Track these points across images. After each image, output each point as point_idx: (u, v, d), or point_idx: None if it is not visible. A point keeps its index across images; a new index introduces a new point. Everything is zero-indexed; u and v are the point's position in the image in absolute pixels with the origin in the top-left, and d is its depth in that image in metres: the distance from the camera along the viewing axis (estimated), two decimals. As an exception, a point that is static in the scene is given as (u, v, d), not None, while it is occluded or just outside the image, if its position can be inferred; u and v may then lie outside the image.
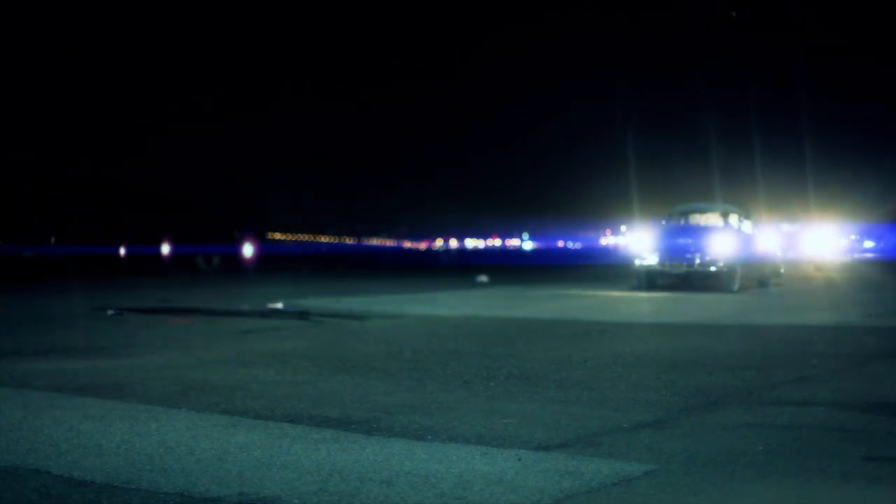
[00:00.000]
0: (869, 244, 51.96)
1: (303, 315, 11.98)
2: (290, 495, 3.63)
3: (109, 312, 12.47)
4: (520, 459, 4.21)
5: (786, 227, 32.36)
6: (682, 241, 17.99)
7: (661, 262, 17.75)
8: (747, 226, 19.34)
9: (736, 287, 17.30)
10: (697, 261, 17.38)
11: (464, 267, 32.96)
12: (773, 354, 8.12)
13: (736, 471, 4.01)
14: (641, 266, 17.98)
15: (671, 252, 17.78)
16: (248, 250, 32.40)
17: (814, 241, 32.03)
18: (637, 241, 18.50)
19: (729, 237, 18.03)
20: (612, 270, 26.16)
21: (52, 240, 27.30)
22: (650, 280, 18.11)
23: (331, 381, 6.58)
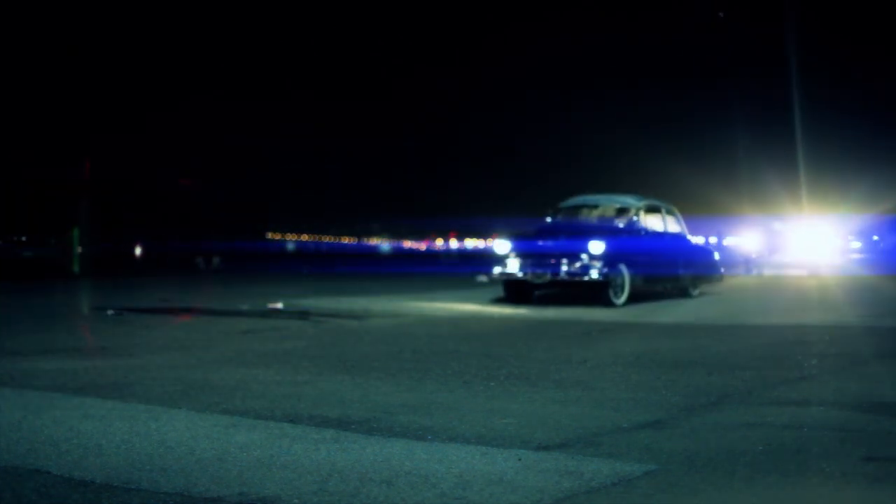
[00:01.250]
0: (866, 244, 49.89)
1: (303, 315, 11.99)
2: (290, 495, 3.63)
3: (109, 312, 12.47)
4: (520, 459, 4.21)
5: (776, 224, 29.46)
6: (547, 243, 14.18)
7: (523, 270, 14.01)
8: (657, 222, 15.58)
9: (622, 299, 13.73)
10: (564, 268, 13.60)
11: (464, 266, 32.90)
12: (773, 354, 8.12)
13: (736, 471, 4.01)
14: (500, 275, 14.32)
15: (534, 258, 14.04)
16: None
17: (808, 240, 28.40)
18: (499, 245, 14.48)
19: (611, 237, 14.08)
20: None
21: (52, 241, 27.23)
22: (517, 292, 14.58)
23: (331, 381, 6.58)
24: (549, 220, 15.39)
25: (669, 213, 16.01)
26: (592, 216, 15.37)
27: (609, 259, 13.52)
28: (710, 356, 7.95)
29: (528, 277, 13.93)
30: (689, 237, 16.46)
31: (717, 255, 17.44)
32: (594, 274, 13.42)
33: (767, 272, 26.98)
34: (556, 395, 5.96)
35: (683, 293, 15.81)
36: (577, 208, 15.68)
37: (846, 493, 3.69)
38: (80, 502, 3.54)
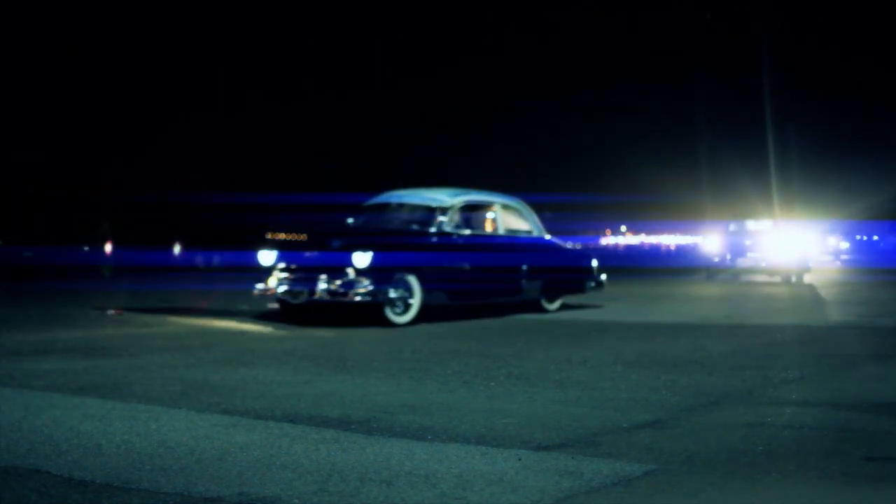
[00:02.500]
0: (849, 245, 47.37)
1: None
2: (290, 495, 3.63)
3: (110, 312, 12.47)
4: (520, 459, 4.21)
5: (744, 225, 24.98)
6: (313, 254, 11.32)
7: (282, 287, 11.12)
8: (488, 222, 12.77)
9: (407, 317, 10.95)
10: (323, 285, 10.75)
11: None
12: (773, 354, 8.12)
13: (736, 471, 4.01)
14: (261, 292, 11.38)
15: (297, 271, 11.20)
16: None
17: (781, 243, 24.09)
18: (263, 255, 11.43)
19: (388, 245, 11.10)
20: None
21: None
22: (287, 311, 11.54)
23: (331, 381, 6.58)
24: (350, 221, 12.52)
25: (512, 210, 13.07)
26: (394, 217, 12.40)
27: (383, 273, 10.75)
28: (710, 356, 7.96)
29: (286, 296, 11.10)
30: (548, 240, 13.55)
31: (593, 262, 13.93)
32: (360, 291, 10.58)
33: (730, 278, 24.53)
34: (556, 395, 5.96)
35: (535, 306, 13.04)
36: (382, 207, 12.71)
37: (846, 493, 3.69)
38: (80, 502, 3.54)
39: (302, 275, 11.06)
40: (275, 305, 11.78)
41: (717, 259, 24.36)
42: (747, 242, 23.96)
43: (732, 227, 24.67)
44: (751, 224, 24.65)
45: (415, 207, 12.33)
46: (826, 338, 9.47)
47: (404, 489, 3.71)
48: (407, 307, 10.99)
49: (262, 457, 4.24)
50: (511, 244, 12.83)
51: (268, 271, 11.34)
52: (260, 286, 11.34)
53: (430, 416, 5.26)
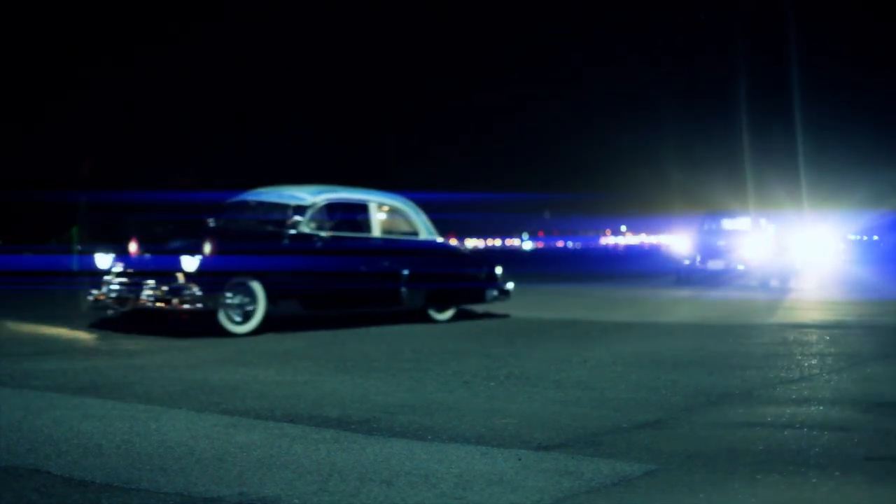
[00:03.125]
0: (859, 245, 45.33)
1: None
2: (290, 495, 3.63)
3: (110, 312, 12.46)
4: (520, 459, 4.21)
5: (719, 222, 22.24)
6: (145, 258, 10.22)
7: (114, 292, 10.11)
8: (361, 222, 11.48)
9: (248, 326, 9.80)
10: (149, 291, 9.73)
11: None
12: (773, 354, 8.12)
13: (736, 471, 4.01)
14: (94, 297, 10.29)
15: (130, 276, 10.11)
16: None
17: (762, 242, 21.02)
18: (100, 258, 10.44)
19: (225, 248, 9.91)
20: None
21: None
22: (118, 317, 10.57)
23: (331, 381, 6.58)
24: (210, 221, 11.31)
25: (392, 211, 11.89)
26: (249, 217, 11.45)
27: (217, 277, 9.71)
28: (710, 356, 7.95)
29: (114, 303, 10.08)
30: (440, 244, 12.29)
31: (496, 269, 12.53)
32: (187, 297, 9.51)
33: (701, 283, 21.22)
34: (556, 395, 5.96)
35: (421, 315, 11.70)
36: (240, 206, 11.68)
37: (846, 493, 3.69)
38: (80, 502, 3.54)
39: (133, 279, 10.00)
40: (111, 313, 10.35)
41: (687, 261, 21.69)
42: (720, 243, 21.37)
43: (707, 225, 22.42)
44: (727, 222, 22.25)
45: (272, 206, 11.22)
46: (826, 337, 9.47)
47: (404, 489, 3.71)
48: (247, 315, 9.82)
49: (262, 457, 4.24)
50: (388, 247, 11.52)
51: (102, 276, 10.27)
52: (94, 292, 10.23)
53: (430, 416, 5.25)
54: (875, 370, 7.16)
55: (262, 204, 11.43)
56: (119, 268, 10.13)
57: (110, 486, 3.75)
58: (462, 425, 4.99)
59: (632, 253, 58.81)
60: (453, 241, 13.73)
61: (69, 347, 8.48)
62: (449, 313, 12.01)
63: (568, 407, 5.56)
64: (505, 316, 12.53)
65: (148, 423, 4.99)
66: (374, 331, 10.31)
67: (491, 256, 13.64)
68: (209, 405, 5.55)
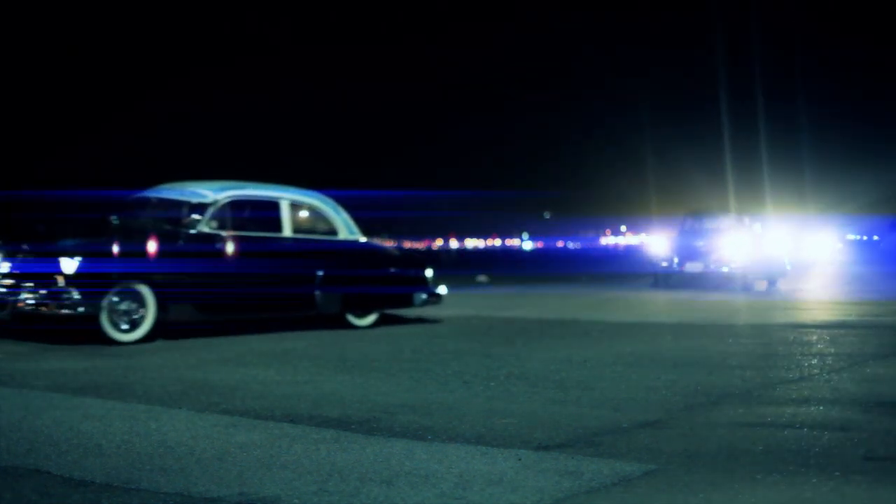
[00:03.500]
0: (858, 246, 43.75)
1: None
2: (290, 495, 3.63)
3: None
4: (520, 459, 4.21)
5: (699, 223, 20.64)
6: (27, 260, 9.39)
7: None
8: (272, 221, 10.67)
9: (136, 333, 9.05)
10: (26, 295, 9.11)
11: (464, 267, 32.79)
12: (773, 354, 8.12)
13: (736, 471, 4.01)
14: None
15: (12, 278, 9.33)
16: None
17: (751, 242, 19.38)
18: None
19: (104, 249, 9.27)
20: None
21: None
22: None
23: (331, 381, 6.58)
24: (113, 219, 10.35)
25: (308, 209, 11.07)
26: (148, 215, 10.59)
27: (100, 281, 9.05)
28: (710, 356, 7.95)
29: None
30: (363, 244, 11.36)
31: (427, 272, 11.57)
32: (65, 303, 8.87)
33: (679, 286, 19.55)
34: (556, 395, 5.96)
35: (340, 321, 10.83)
36: (142, 204, 10.88)
37: (846, 493, 3.69)
38: (80, 502, 3.54)
39: (14, 282, 9.23)
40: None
41: (664, 263, 20.10)
42: (699, 243, 19.90)
43: (687, 225, 21.02)
44: (709, 222, 20.72)
45: (173, 204, 10.37)
46: (826, 337, 9.46)
47: (404, 489, 3.71)
48: (134, 323, 9.09)
49: (262, 457, 4.24)
50: (300, 248, 10.67)
51: None
52: None
53: (430, 416, 5.25)
54: (875, 370, 7.16)
55: (162, 201, 10.60)
56: (5, 268, 9.31)
57: (110, 486, 3.75)
58: (462, 425, 5.00)
59: (611, 254, 58.11)
60: (388, 242, 12.68)
61: (69, 347, 8.48)
62: (370, 319, 11.06)
63: (568, 407, 5.56)
64: (437, 321, 11.53)
65: (148, 423, 4.99)
66: (374, 331, 10.31)
67: (421, 258, 12.55)
68: (209, 405, 5.55)
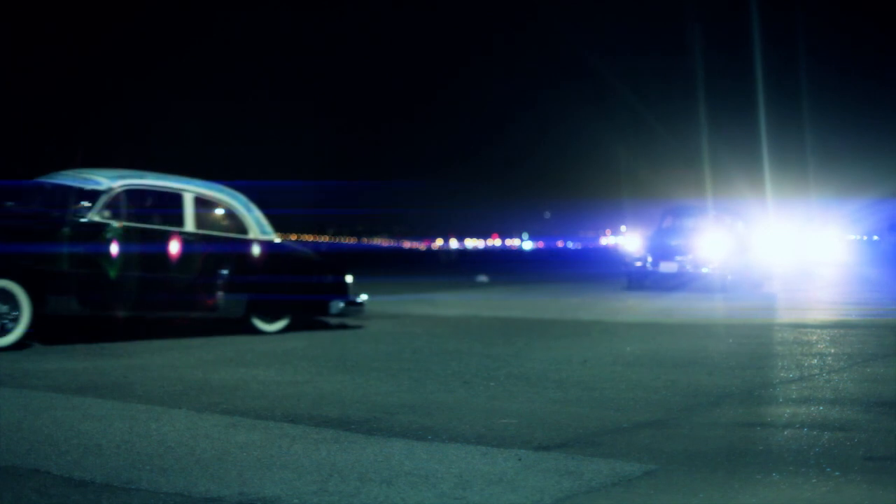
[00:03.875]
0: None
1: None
2: (290, 495, 3.63)
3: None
4: (520, 459, 4.21)
5: (677, 216, 19.14)
6: None
7: None
8: (175, 215, 9.82)
9: (12, 336, 8.22)
10: None
11: (464, 267, 32.78)
12: (773, 354, 8.12)
13: (736, 471, 4.01)
14: None
15: None
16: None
17: (735, 239, 18.05)
18: None
19: None
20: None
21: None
22: None
23: (331, 381, 6.58)
24: (10, 205, 9.62)
25: (216, 203, 10.19)
26: (36, 204, 9.68)
27: None
28: (710, 356, 7.95)
29: None
30: (276, 244, 10.48)
31: (345, 277, 10.80)
32: None
33: (654, 288, 17.98)
34: (556, 395, 5.96)
35: (244, 326, 9.94)
36: (35, 191, 9.97)
37: (846, 493, 3.69)
38: (80, 502, 3.54)
39: None
40: None
41: (638, 263, 18.53)
42: (674, 242, 18.35)
43: (664, 222, 19.44)
44: (686, 219, 19.13)
45: (66, 191, 9.40)
46: (826, 338, 9.47)
47: (404, 489, 3.71)
48: (4, 328, 8.22)
49: (262, 457, 4.24)
50: (203, 246, 9.83)
51: None
52: None
53: (430, 416, 5.25)
54: (875, 370, 7.16)
55: (56, 188, 9.61)
56: None
57: (110, 486, 3.75)
58: (462, 425, 5.00)
59: (582, 255, 57.07)
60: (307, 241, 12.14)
61: (69, 347, 8.48)
62: (279, 325, 10.18)
63: (568, 407, 5.56)
64: (358, 327, 10.75)
65: (148, 423, 4.99)
66: (375, 331, 10.31)
67: (340, 263, 11.47)
68: (209, 405, 5.55)
